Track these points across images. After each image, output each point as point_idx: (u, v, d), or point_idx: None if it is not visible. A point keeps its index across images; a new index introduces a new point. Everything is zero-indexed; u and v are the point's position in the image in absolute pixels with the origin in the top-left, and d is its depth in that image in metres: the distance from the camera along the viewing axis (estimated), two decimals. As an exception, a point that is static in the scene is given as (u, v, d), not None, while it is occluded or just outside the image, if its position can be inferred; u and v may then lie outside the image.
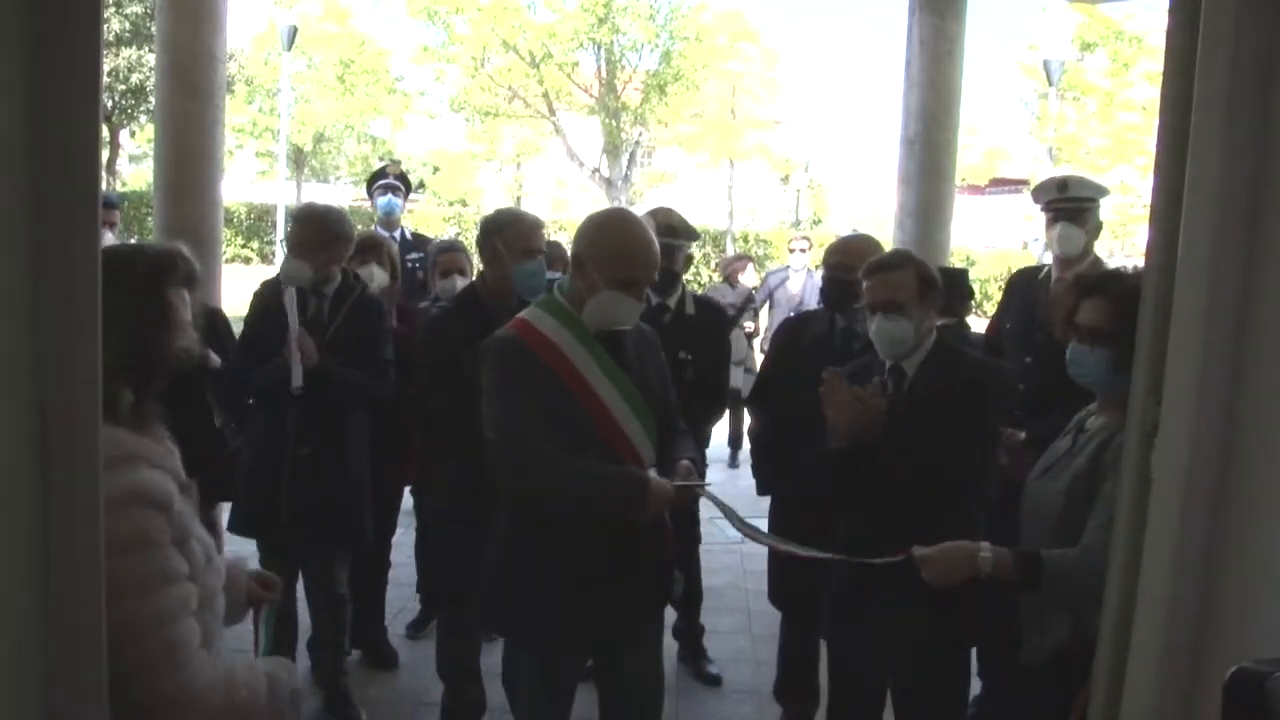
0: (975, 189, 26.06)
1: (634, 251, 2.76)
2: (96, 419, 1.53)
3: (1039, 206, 4.37)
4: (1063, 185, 4.25)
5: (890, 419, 2.98)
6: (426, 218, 28.22)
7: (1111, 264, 3.66)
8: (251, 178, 29.71)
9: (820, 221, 36.95)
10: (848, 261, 3.72)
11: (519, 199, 33.56)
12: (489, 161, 32.12)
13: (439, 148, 32.40)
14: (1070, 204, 4.19)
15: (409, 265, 5.72)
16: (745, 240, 30.98)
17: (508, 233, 3.68)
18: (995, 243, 30.50)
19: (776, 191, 37.76)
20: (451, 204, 34.59)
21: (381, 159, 30.18)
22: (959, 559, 2.58)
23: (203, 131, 6.34)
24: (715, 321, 4.59)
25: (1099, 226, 4.33)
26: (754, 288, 8.73)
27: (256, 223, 28.89)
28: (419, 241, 6.37)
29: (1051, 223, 4.23)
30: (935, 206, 7.96)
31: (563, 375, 2.77)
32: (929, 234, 7.85)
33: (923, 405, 3.01)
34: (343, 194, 34.13)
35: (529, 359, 2.77)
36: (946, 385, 3.02)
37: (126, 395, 1.87)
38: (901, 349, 3.13)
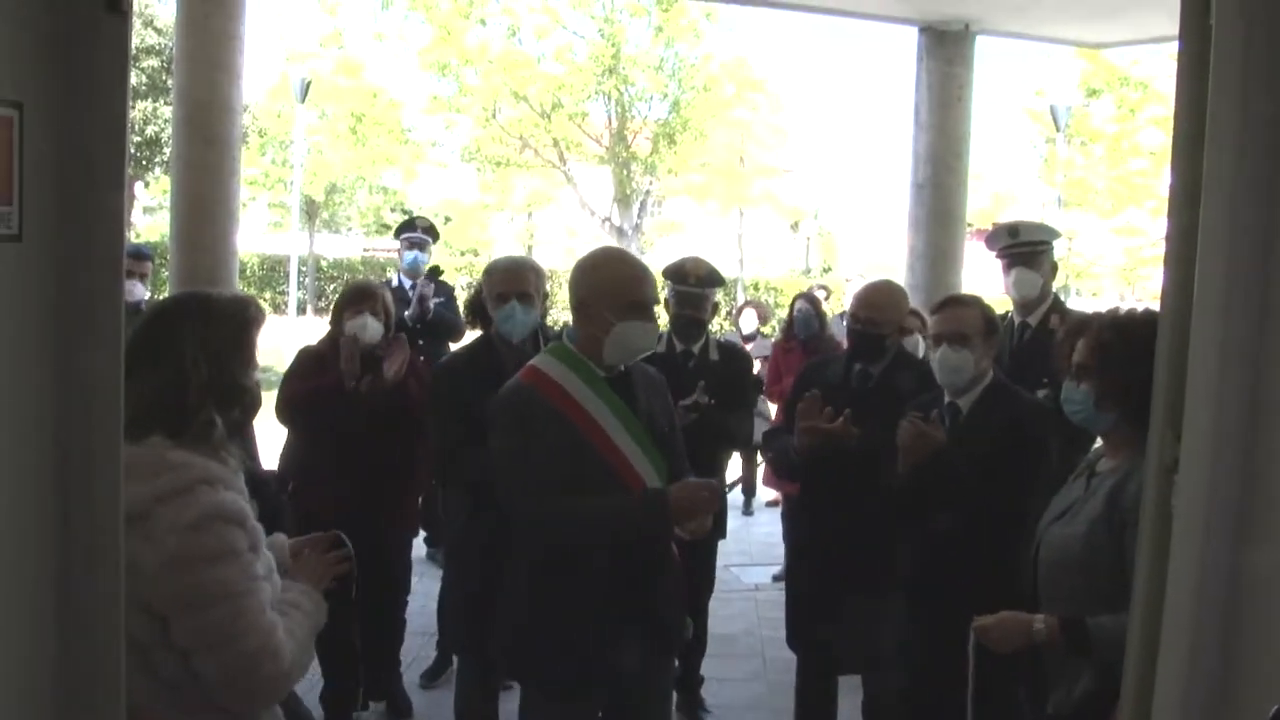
0: (983, 233, 25.06)
1: (634, 275, 2.84)
2: (118, 433, 1.55)
3: (993, 254, 4.49)
4: (1014, 231, 4.44)
5: (944, 452, 3.16)
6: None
7: (1124, 307, 3.75)
8: (264, 229, 29.56)
9: (830, 269, 36.59)
10: (876, 317, 3.75)
11: (530, 248, 33.24)
12: (500, 211, 31.78)
13: (451, 198, 32.00)
14: (1023, 248, 4.36)
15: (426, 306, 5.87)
16: (756, 288, 31.04)
17: (489, 278, 3.80)
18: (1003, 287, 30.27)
19: (786, 238, 37.75)
20: (463, 253, 34.29)
21: (394, 209, 30.92)
22: (1016, 630, 2.59)
23: (219, 181, 6.38)
24: (738, 367, 4.60)
25: (1054, 268, 4.51)
26: (758, 332, 8.57)
27: (269, 273, 29.00)
28: (440, 286, 6.33)
29: (1007, 268, 4.40)
30: (946, 251, 8.02)
31: (575, 420, 2.78)
32: (940, 278, 7.87)
33: (975, 440, 3.19)
34: (354, 244, 34.35)
35: (540, 405, 2.78)
36: (1000, 422, 3.20)
37: (218, 422, 2.06)
38: (960, 379, 3.36)
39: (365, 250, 33.90)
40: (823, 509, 3.75)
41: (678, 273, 4.40)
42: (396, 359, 3.99)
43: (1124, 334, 2.57)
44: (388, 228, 30.38)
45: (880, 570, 3.50)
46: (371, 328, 4.11)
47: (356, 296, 4.26)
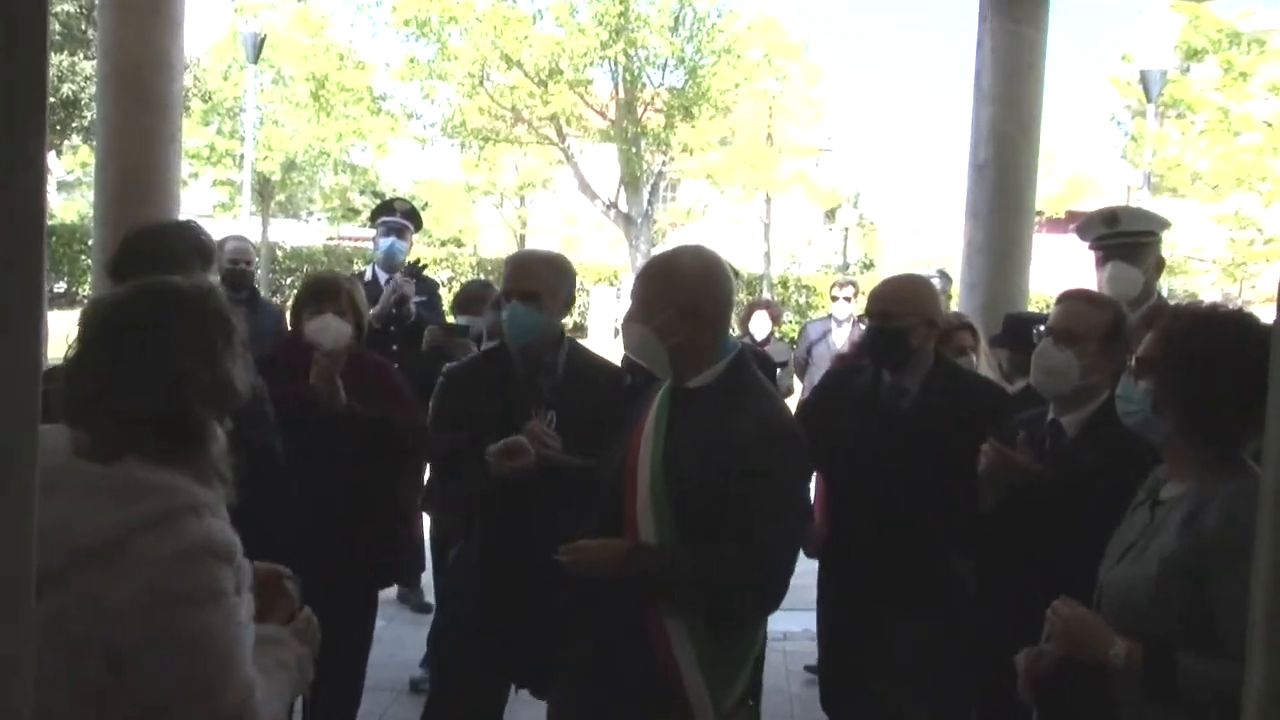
0: (1055, 224, 24.94)
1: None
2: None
3: (1086, 245, 4.35)
4: (1111, 219, 4.27)
5: (1039, 480, 3.17)
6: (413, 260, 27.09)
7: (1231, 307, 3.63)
8: (209, 211, 28.35)
9: (872, 265, 35.99)
10: (894, 309, 3.69)
11: (522, 238, 32.63)
12: (487, 194, 31.36)
13: (429, 178, 31.72)
14: (1123, 239, 4.20)
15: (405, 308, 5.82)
16: (784, 286, 30.37)
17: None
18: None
19: (820, 229, 36.90)
20: (444, 243, 33.44)
21: (363, 191, 30.52)
22: (1092, 638, 2.49)
23: (154, 151, 6.21)
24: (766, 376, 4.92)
25: (1160, 264, 4.32)
26: (772, 335, 8.48)
27: (215, 264, 29.41)
28: (423, 283, 6.31)
29: (1101, 262, 4.25)
30: (1011, 243, 7.79)
31: (637, 426, 3.05)
32: (1004, 275, 7.68)
33: (1077, 469, 3.12)
34: (316, 232, 33.46)
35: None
36: (1111, 447, 3.03)
37: (220, 436, 2.09)
38: (1056, 384, 3.30)
39: (330, 239, 33.01)
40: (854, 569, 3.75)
41: None
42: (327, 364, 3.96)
43: (1200, 329, 2.53)
44: (356, 212, 30.46)
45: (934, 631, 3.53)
46: (334, 330, 3.96)
47: (317, 291, 4.13)
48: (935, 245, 27.92)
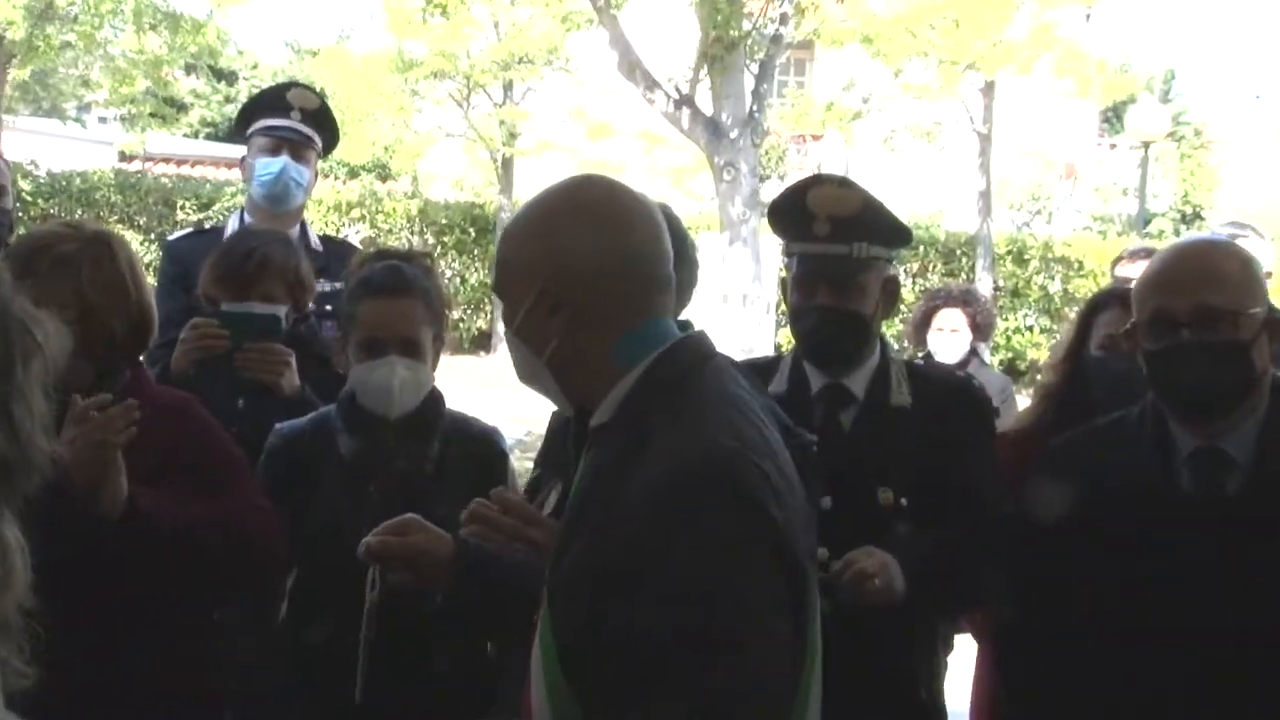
0: None
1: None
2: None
3: None
4: None
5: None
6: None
7: None
8: None
9: (1198, 216, 25.41)
10: (1218, 305, 2.95)
11: (503, 161, 23.78)
12: (441, 78, 22.94)
13: (326, 45, 25.70)
14: None
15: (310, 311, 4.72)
16: (1016, 251, 22.97)
17: None
18: None
19: (1092, 147, 27.71)
20: (356, 171, 27.65)
21: (192, 69, 25.76)
22: None
23: None
24: (967, 420, 3.61)
25: None
26: (976, 353, 6.74)
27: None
28: (333, 252, 5.18)
29: None
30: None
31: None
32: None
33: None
34: (100, 146, 27.10)
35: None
36: None
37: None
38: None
39: (129, 158, 26.26)
40: None
41: (791, 213, 3.56)
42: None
43: None
44: (180, 109, 26.01)
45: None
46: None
47: (23, 261, 3.35)
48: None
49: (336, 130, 5.28)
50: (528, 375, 2.32)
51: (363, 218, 22.70)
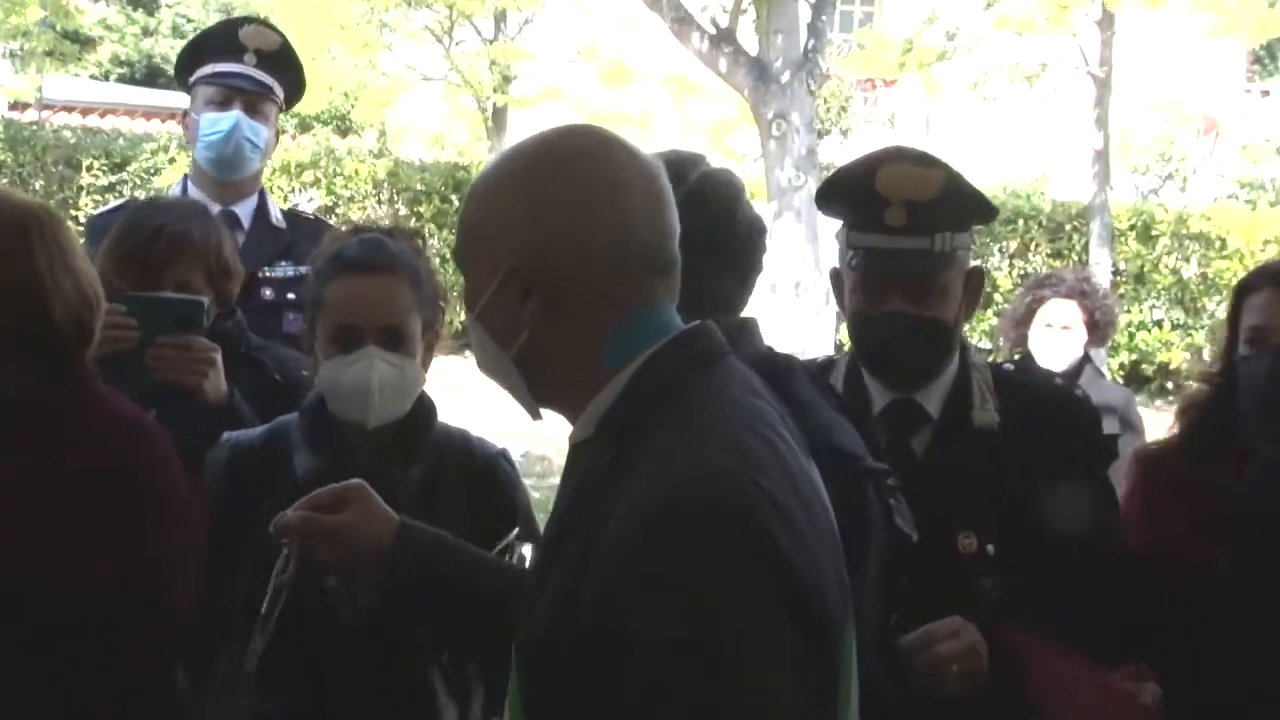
0: None
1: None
2: None
3: None
4: None
5: None
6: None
7: None
8: None
9: None
10: None
11: (494, 111, 23.41)
12: (417, 7, 22.80)
13: None
14: None
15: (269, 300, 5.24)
16: (1142, 226, 21.67)
17: None
18: None
19: (1238, 93, 26.76)
20: (308, 123, 27.27)
21: None
22: None
23: None
24: (1070, 441, 3.72)
25: None
26: (1089, 357, 7.07)
27: None
28: (299, 229, 5.46)
29: None
30: None
31: None
32: None
33: None
34: None
35: None
36: None
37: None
38: None
39: (17, 107, 26.26)
40: None
41: (856, 196, 3.63)
42: None
43: None
44: (78, 47, 25.66)
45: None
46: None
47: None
48: None
49: (301, 77, 5.31)
50: (489, 369, 2.38)
51: (316, 182, 21.15)
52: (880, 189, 3.50)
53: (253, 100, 5.21)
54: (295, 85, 5.42)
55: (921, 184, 3.51)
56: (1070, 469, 3.53)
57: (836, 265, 3.64)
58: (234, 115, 5.13)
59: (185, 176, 5.40)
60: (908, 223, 3.46)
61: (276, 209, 5.24)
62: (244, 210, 5.22)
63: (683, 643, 1.96)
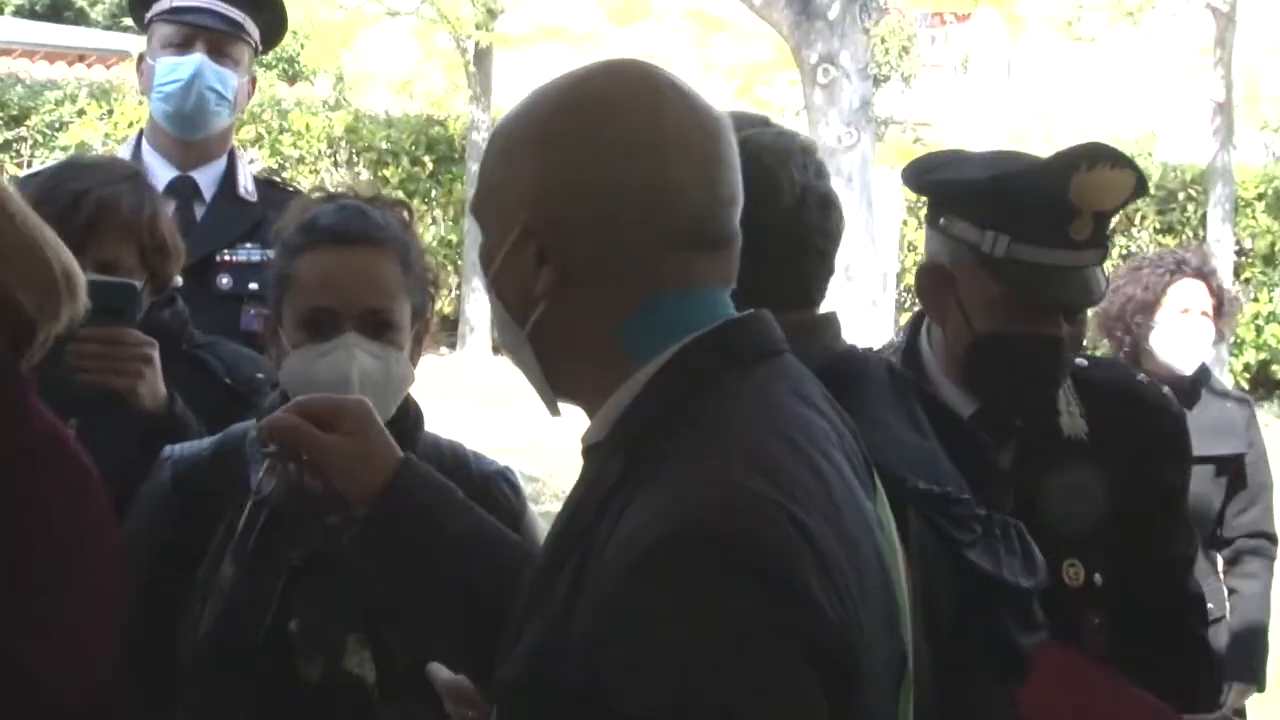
0: None
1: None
2: None
3: None
4: None
5: None
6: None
7: None
8: None
9: None
10: None
11: (476, 53, 23.44)
12: None
13: None
14: None
15: (226, 289, 5.34)
16: (1273, 195, 22.69)
17: None
18: None
19: None
20: (279, 70, 27.56)
21: None
22: None
23: None
24: (1162, 450, 4.06)
25: None
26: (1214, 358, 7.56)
27: None
28: (274, 200, 5.31)
29: None
30: None
31: None
32: None
33: None
34: None
35: None
36: None
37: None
38: None
39: None
40: None
41: (1039, 201, 3.72)
42: None
43: None
44: None
45: None
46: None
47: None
48: None
49: (281, 11, 5.17)
50: (508, 348, 2.49)
51: (258, 140, 20.45)
52: (1074, 199, 3.52)
53: (219, 41, 5.14)
54: (273, 22, 5.30)
55: (1115, 191, 3.57)
56: (1169, 496, 3.71)
57: (937, 260, 3.52)
58: (196, 60, 5.11)
59: (140, 134, 5.30)
60: (1092, 236, 3.52)
61: (248, 176, 5.13)
62: (206, 177, 5.14)
63: (674, 704, 1.95)
